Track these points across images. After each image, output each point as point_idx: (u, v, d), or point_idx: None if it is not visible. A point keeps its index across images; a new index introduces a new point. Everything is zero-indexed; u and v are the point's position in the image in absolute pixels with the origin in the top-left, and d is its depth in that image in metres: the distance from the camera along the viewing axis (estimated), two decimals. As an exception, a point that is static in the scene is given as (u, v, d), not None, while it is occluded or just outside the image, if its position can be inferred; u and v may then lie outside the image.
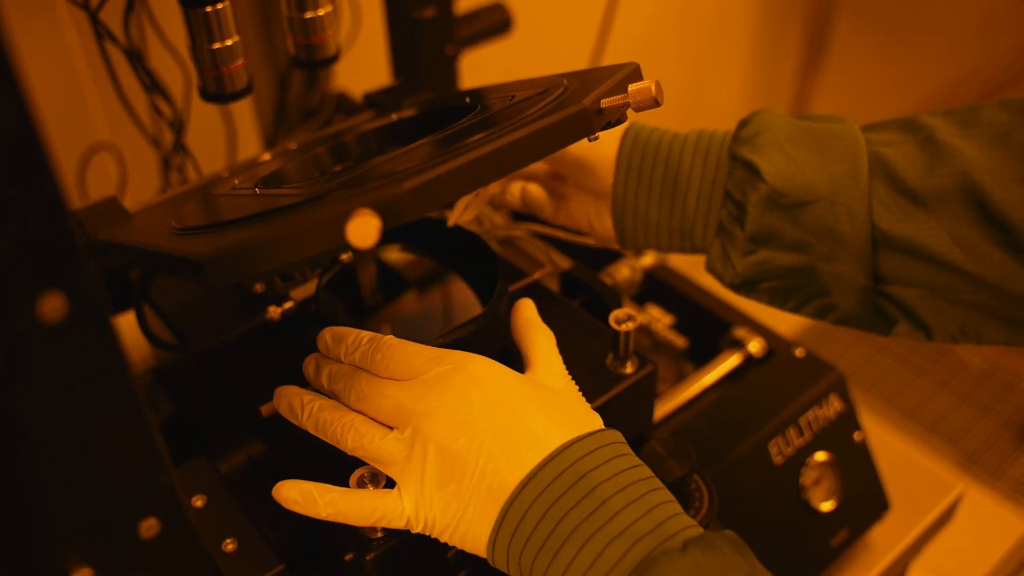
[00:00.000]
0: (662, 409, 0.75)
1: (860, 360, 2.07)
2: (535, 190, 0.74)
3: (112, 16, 0.84)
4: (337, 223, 0.39)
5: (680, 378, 0.83)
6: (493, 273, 0.61)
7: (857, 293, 0.62)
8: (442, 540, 0.51)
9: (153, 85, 0.91)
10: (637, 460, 0.51)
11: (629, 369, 0.62)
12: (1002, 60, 2.84)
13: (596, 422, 0.53)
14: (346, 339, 0.55)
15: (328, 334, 0.56)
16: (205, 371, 0.65)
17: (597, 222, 0.70)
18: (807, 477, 0.75)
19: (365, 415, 0.52)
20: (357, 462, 0.52)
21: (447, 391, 0.51)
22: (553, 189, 0.74)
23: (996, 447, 1.90)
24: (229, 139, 1.09)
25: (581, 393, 0.56)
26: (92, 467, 0.35)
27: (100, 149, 1.02)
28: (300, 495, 0.51)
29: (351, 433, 0.51)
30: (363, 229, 0.39)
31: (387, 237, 0.63)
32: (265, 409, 0.58)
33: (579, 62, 1.42)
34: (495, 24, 1.08)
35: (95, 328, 0.32)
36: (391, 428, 0.51)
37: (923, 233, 0.58)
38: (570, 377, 0.56)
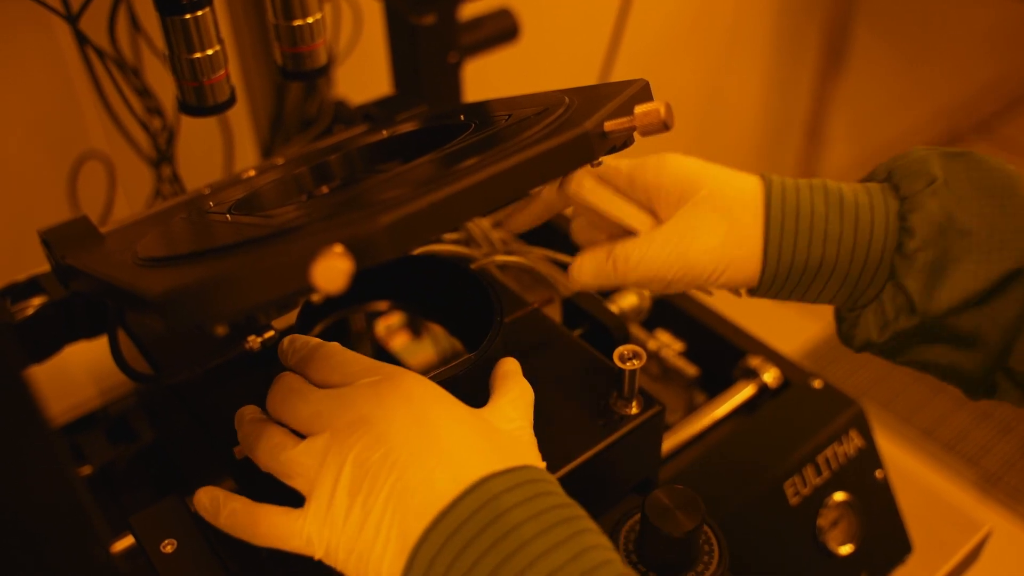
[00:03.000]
0: (670, 443, 0.71)
1: (876, 377, 2.02)
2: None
3: (101, 24, 0.80)
4: (302, 264, 0.35)
5: (690, 409, 0.79)
6: (490, 309, 0.56)
7: (984, 364, 0.56)
8: (346, 572, 0.46)
9: (140, 94, 0.87)
10: (567, 499, 0.46)
11: (634, 409, 0.58)
12: (1022, 70, 2.78)
13: (527, 458, 0.48)
14: (295, 342, 0.53)
15: (286, 340, 0.54)
16: (181, 403, 0.61)
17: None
18: (825, 519, 0.71)
19: (287, 426, 0.49)
20: None
21: (371, 402, 0.47)
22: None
23: (1017, 468, 1.85)
24: (226, 148, 1.05)
25: (536, 442, 0.51)
26: (12, 544, 0.31)
27: (91, 157, 0.99)
28: (209, 501, 0.49)
29: (263, 442, 0.48)
30: (331, 273, 0.35)
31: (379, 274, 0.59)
32: (239, 451, 0.53)
33: (590, 70, 1.37)
34: (501, 31, 1.03)
35: (7, 389, 0.28)
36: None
37: None
38: (530, 428, 0.51)
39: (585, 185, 0.56)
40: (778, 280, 0.55)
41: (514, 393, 0.52)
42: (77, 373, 0.77)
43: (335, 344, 0.51)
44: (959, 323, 0.54)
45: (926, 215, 0.52)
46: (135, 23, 0.87)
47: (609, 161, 0.56)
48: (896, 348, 0.57)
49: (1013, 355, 0.54)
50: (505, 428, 0.49)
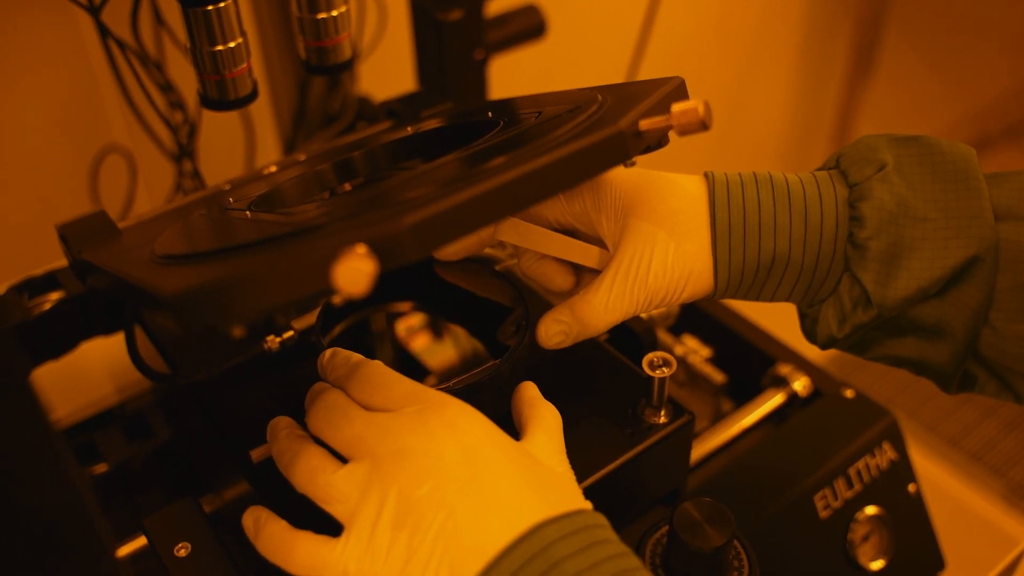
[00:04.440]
0: (697, 451, 0.69)
1: (902, 384, 1.99)
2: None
3: (124, 16, 0.79)
4: (323, 265, 0.34)
5: (718, 416, 0.77)
6: (517, 311, 0.55)
7: (953, 356, 0.54)
8: None
9: (163, 89, 0.86)
10: (623, 548, 0.44)
11: (663, 418, 0.56)
12: (1057, 73, 2.74)
13: (580, 502, 0.46)
14: (336, 356, 0.51)
15: (328, 352, 0.52)
16: (197, 403, 0.59)
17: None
18: (856, 533, 0.69)
19: (326, 446, 0.47)
20: None
21: (417, 432, 0.45)
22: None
23: (1046, 480, 1.81)
24: (248, 143, 1.04)
25: (575, 477, 0.49)
26: (16, 550, 0.29)
27: (113, 151, 0.98)
28: (253, 522, 0.47)
29: (302, 463, 0.46)
30: (353, 275, 0.33)
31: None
32: (256, 454, 0.52)
33: (617, 69, 1.36)
34: (528, 28, 1.02)
35: (10, 396, 0.26)
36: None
37: None
38: (567, 460, 0.49)
39: (518, 231, 0.54)
40: (732, 282, 0.53)
41: (547, 422, 0.50)
42: (94, 369, 0.76)
43: (378, 363, 0.49)
44: (921, 314, 0.52)
45: (876, 203, 0.50)
46: (158, 16, 0.86)
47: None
48: (862, 343, 0.55)
49: (982, 342, 0.52)
50: (549, 464, 0.48)
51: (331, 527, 0.46)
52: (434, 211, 0.36)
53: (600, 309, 0.52)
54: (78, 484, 0.30)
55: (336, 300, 0.58)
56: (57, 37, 0.92)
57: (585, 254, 0.55)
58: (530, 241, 0.54)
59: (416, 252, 0.36)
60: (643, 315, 0.71)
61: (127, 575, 0.55)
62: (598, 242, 0.55)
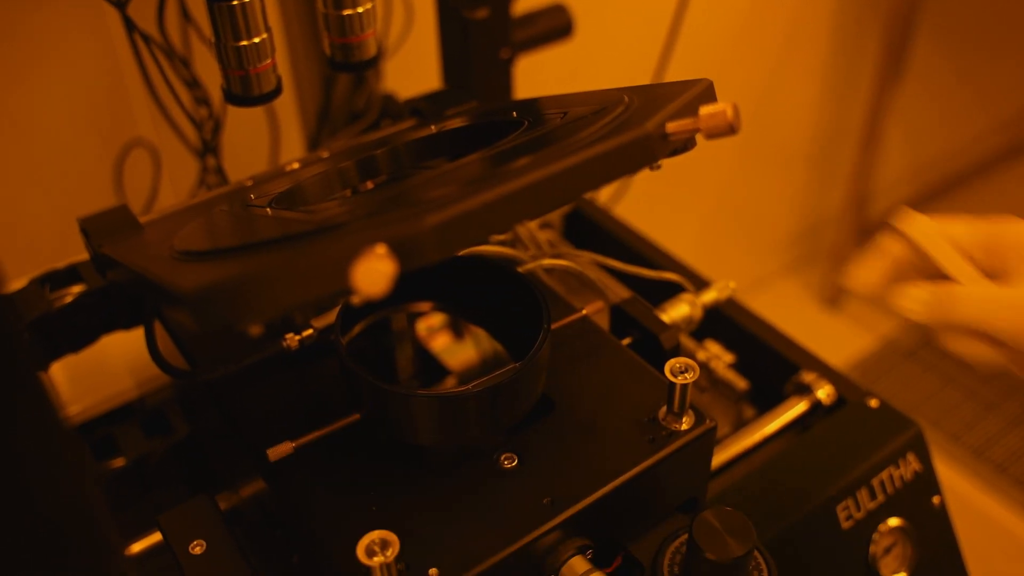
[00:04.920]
0: (718, 459, 0.69)
1: (927, 393, 1.96)
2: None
3: (150, 11, 0.79)
4: (342, 265, 0.33)
5: (739, 423, 0.76)
6: (537, 310, 0.54)
7: None
8: None
9: (188, 85, 0.86)
10: None
11: (685, 425, 0.55)
12: (1090, 81, 2.70)
13: None
14: None
15: None
16: (215, 400, 0.59)
17: None
18: (878, 545, 0.68)
19: None
20: (372, 524, 0.46)
21: None
22: None
23: (1071, 494, 1.79)
24: (272, 140, 1.04)
25: None
26: (22, 549, 0.29)
27: (138, 145, 0.98)
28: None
29: None
30: (372, 275, 0.33)
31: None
32: (272, 453, 0.52)
33: (644, 70, 1.34)
34: (555, 27, 1.01)
35: (19, 390, 0.26)
36: None
37: None
38: None
39: (921, 227, 0.53)
40: None
41: None
42: (115, 363, 0.76)
43: None
44: None
45: None
46: (184, 11, 0.86)
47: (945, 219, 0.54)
48: None
49: None
50: None
51: (354, 525, 0.44)
52: (456, 212, 0.36)
53: (975, 300, 0.51)
54: (86, 482, 0.29)
55: (355, 301, 0.58)
56: (84, 31, 0.92)
57: (969, 275, 0.53)
58: (928, 240, 0.54)
59: (437, 253, 0.35)
60: (664, 318, 0.70)
61: (136, 575, 0.55)
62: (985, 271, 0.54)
